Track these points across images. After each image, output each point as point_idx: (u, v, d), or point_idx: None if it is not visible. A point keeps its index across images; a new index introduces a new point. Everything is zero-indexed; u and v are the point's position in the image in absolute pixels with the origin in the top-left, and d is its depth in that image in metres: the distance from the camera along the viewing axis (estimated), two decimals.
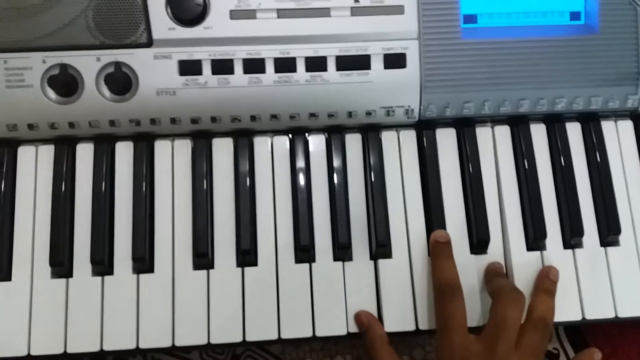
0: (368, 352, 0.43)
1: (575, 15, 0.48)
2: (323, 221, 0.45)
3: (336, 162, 0.46)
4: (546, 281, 0.43)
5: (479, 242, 0.45)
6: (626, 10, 0.46)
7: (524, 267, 0.44)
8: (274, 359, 0.50)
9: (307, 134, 0.47)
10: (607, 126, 0.48)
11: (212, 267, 0.44)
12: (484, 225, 0.45)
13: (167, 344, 0.42)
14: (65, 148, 0.45)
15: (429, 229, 0.45)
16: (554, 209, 0.46)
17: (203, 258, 0.43)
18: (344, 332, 0.43)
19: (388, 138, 0.47)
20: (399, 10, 0.45)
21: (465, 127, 0.47)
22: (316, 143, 0.47)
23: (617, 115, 0.48)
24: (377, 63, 0.45)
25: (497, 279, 0.43)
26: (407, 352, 0.49)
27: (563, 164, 0.47)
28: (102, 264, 0.43)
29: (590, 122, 0.48)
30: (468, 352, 0.40)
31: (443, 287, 0.42)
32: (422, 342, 0.50)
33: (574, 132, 0.48)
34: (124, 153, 0.45)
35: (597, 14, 0.46)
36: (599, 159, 0.47)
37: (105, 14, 0.43)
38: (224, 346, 0.43)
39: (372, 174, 0.46)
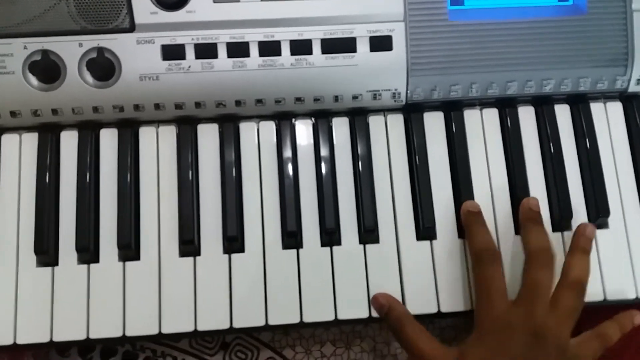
0: (395, 333, 0.42)
1: None
2: (310, 206, 0.44)
3: (323, 147, 0.46)
4: (582, 239, 0.43)
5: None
6: None
7: (512, 250, 0.44)
8: (263, 346, 0.49)
9: (293, 119, 0.46)
10: (596, 108, 0.48)
11: (199, 254, 0.43)
12: None
13: (153, 331, 0.42)
14: (48, 135, 0.44)
15: (417, 213, 0.45)
16: (542, 191, 0.46)
17: (189, 245, 0.43)
18: (331, 318, 0.43)
19: (375, 122, 0.47)
20: None
21: (453, 111, 0.47)
22: (303, 128, 0.46)
23: (606, 96, 0.48)
24: (362, 46, 0.44)
25: (530, 233, 0.43)
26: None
27: (552, 146, 0.46)
28: (88, 252, 0.43)
29: (579, 103, 0.48)
30: (509, 316, 0.40)
31: (481, 253, 0.42)
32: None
33: (562, 114, 0.48)
34: (108, 140, 0.45)
35: None
36: (587, 141, 0.47)
37: None
38: (212, 333, 0.42)
39: (360, 158, 0.45)
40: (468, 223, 0.44)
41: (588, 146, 0.46)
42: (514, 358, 0.39)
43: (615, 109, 0.48)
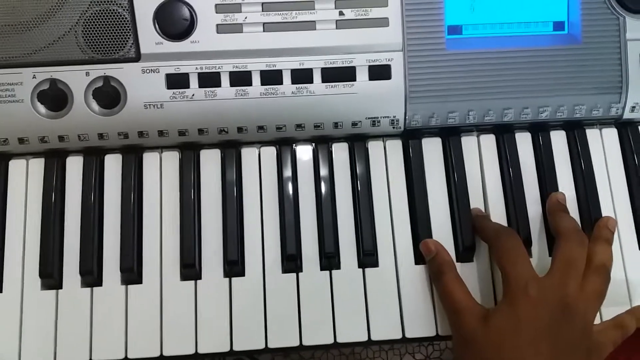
0: (435, 279, 0.44)
1: (558, 25, 0.48)
2: (310, 231, 0.45)
3: (323, 172, 0.47)
4: (604, 230, 0.44)
5: (464, 249, 0.45)
6: (609, 20, 0.47)
7: None
8: None
9: (294, 145, 0.47)
10: (591, 134, 0.48)
11: (200, 278, 0.44)
12: (469, 233, 0.45)
13: (155, 354, 0.42)
14: (55, 161, 0.45)
15: (415, 237, 0.46)
16: (538, 217, 0.46)
17: (190, 269, 0.44)
18: (330, 341, 0.43)
19: (374, 147, 0.48)
20: (383, 22, 0.45)
21: (450, 136, 0.48)
22: (303, 153, 0.47)
23: (601, 122, 0.49)
24: (362, 75, 0.45)
25: (561, 218, 0.44)
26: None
27: (547, 171, 0.47)
28: (91, 275, 0.43)
29: (575, 130, 0.48)
30: (541, 285, 0.40)
31: (498, 229, 0.43)
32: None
33: (559, 140, 0.48)
34: (112, 165, 0.46)
35: (580, 24, 0.47)
36: (583, 166, 0.47)
37: (94, 30, 0.43)
38: (212, 356, 0.43)
39: (359, 183, 0.46)
40: (476, 221, 0.45)
41: (584, 171, 0.47)
42: (539, 329, 0.39)
43: (611, 135, 0.49)
